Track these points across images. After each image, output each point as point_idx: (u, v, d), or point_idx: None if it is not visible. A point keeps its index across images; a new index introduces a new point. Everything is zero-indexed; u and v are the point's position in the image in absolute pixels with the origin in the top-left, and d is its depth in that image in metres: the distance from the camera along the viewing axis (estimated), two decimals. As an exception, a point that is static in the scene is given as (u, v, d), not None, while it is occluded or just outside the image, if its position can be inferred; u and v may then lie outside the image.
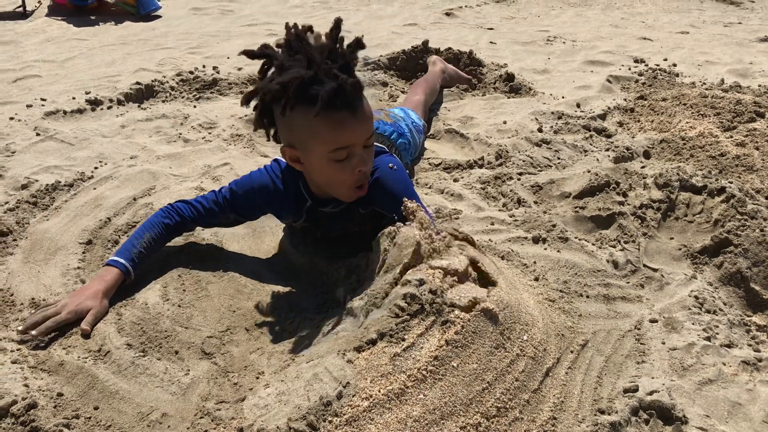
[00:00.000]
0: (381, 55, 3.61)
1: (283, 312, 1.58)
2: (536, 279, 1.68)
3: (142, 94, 3.05)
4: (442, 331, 1.22)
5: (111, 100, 2.94)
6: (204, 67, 3.46)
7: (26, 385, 1.27)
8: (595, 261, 1.78)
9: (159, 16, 5.08)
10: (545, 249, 1.82)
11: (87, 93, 3.01)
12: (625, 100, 3.17)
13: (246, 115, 2.78)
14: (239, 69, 3.45)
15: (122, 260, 1.56)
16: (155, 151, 2.46)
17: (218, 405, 1.28)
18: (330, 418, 1.11)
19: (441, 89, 3.20)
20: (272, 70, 1.50)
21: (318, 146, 1.48)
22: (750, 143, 2.58)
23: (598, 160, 2.40)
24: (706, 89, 3.25)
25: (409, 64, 3.54)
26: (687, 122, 2.79)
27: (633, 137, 2.70)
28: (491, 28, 4.95)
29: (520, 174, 2.29)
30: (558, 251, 1.80)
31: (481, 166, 2.41)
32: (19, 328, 1.41)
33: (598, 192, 2.08)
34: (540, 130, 2.72)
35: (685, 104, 3.01)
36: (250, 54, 1.50)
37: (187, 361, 1.41)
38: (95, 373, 1.32)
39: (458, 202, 2.13)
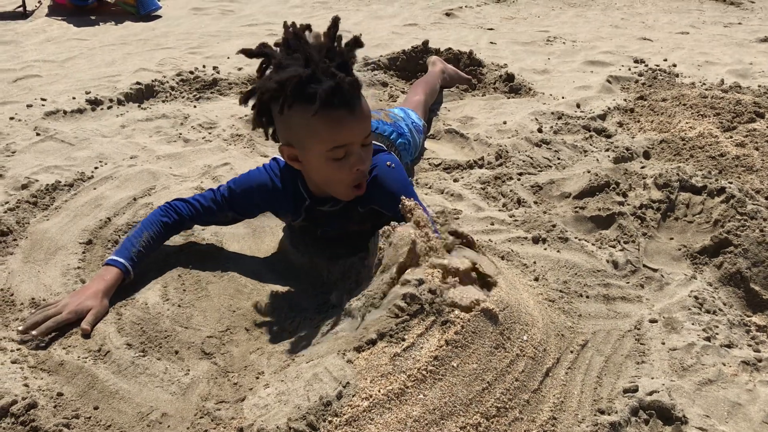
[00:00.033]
0: (381, 55, 3.61)
1: (283, 312, 1.58)
2: (536, 279, 1.68)
3: (143, 94, 3.05)
4: (442, 331, 1.22)
5: (111, 100, 2.94)
6: (204, 67, 3.46)
7: (26, 385, 1.27)
8: (595, 261, 1.78)
9: (159, 16, 5.08)
10: (545, 249, 1.82)
11: (87, 93, 3.01)
12: (625, 100, 3.17)
13: (246, 115, 2.78)
14: (239, 69, 3.45)
15: (121, 259, 1.56)
16: (155, 151, 2.46)
17: (218, 405, 1.28)
18: (330, 418, 1.11)
19: (441, 89, 3.20)
20: (270, 68, 1.50)
21: (316, 145, 1.48)
22: (750, 143, 2.58)
23: (598, 160, 2.40)
24: (706, 90, 3.25)
25: (409, 65, 3.54)
26: (687, 122, 2.79)
27: (633, 137, 2.70)
28: (491, 29, 4.95)
29: (520, 174, 2.29)
30: (558, 251, 1.81)
31: (481, 167, 2.41)
32: (20, 328, 1.41)
33: (598, 192, 2.08)
34: (540, 131, 2.72)
35: (684, 104, 3.01)
36: (248, 53, 1.50)
37: (187, 361, 1.41)
38: (95, 373, 1.32)
39: (458, 202, 2.13)
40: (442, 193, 2.21)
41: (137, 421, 1.25)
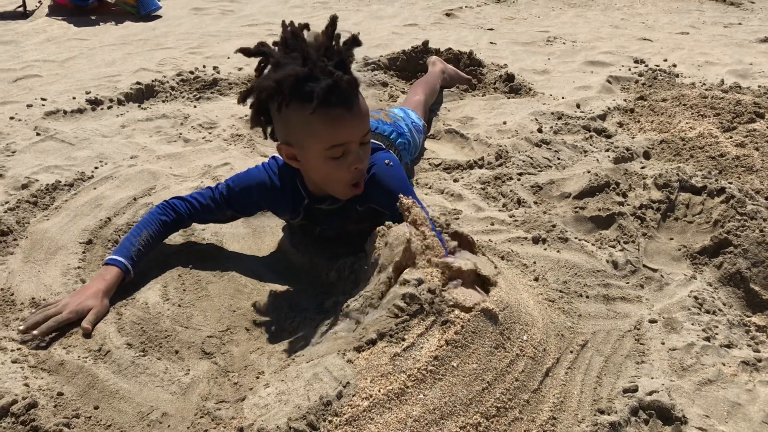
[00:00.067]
0: (381, 56, 3.61)
1: (283, 312, 1.58)
2: (536, 279, 1.68)
3: (143, 94, 3.05)
4: (442, 331, 1.22)
5: (111, 100, 2.95)
6: (204, 67, 3.46)
7: (26, 385, 1.27)
8: (594, 261, 1.78)
9: (159, 16, 5.08)
10: (545, 249, 1.82)
11: (87, 93, 3.02)
12: (625, 100, 3.17)
13: (246, 115, 2.78)
14: (239, 69, 3.46)
15: (121, 259, 1.56)
16: (155, 151, 2.47)
17: (218, 405, 1.28)
18: (330, 418, 1.11)
19: (441, 89, 3.20)
20: (269, 68, 1.50)
21: (314, 144, 1.48)
22: (750, 144, 2.58)
23: (598, 160, 2.41)
24: (706, 90, 3.26)
25: (409, 65, 3.54)
26: (687, 123, 2.79)
27: (633, 138, 2.70)
28: (491, 29, 4.95)
29: (520, 174, 2.29)
30: (558, 251, 1.81)
31: (481, 167, 2.41)
32: (20, 327, 1.42)
33: (597, 192, 2.08)
34: (540, 131, 2.72)
35: (684, 105, 3.01)
36: (246, 52, 1.50)
37: (187, 361, 1.41)
38: (95, 373, 1.33)
39: (458, 203, 2.13)
40: (442, 193, 2.21)
41: (137, 420, 1.25)
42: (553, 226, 1.92)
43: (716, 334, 1.54)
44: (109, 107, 2.91)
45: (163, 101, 3.03)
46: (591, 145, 2.60)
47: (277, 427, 1.12)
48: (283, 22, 1.50)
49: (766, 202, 2.03)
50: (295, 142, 1.51)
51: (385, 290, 1.31)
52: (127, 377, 1.33)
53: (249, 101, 1.54)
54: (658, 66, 3.79)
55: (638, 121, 2.92)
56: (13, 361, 1.33)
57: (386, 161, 1.66)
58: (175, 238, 1.81)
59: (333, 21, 1.47)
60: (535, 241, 1.85)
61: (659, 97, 3.16)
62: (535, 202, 2.12)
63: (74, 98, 2.95)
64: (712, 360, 1.45)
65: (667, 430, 1.28)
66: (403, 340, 1.21)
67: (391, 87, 3.32)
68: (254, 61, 1.53)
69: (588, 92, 3.29)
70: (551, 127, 2.76)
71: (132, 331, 1.44)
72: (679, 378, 1.41)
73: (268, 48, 1.50)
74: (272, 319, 1.56)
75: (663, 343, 1.51)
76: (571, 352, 1.43)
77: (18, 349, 1.38)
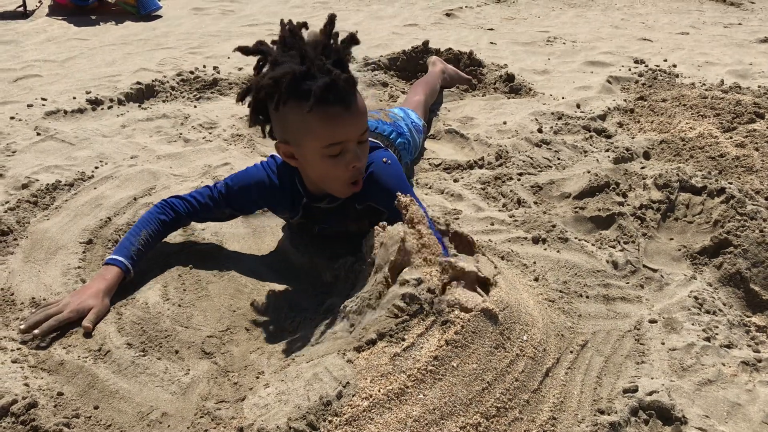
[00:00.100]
0: (381, 56, 3.61)
1: (283, 312, 1.59)
2: (536, 279, 1.68)
3: (143, 94, 3.05)
4: (442, 331, 1.22)
5: (111, 100, 2.95)
6: (204, 67, 3.46)
7: (26, 385, 1.27)
8: (594, 261, 1.78)
9: (159, 16, 5.08)
10: (545, 249, 1.82)
11: (87, 93, 3.02)
12: (625, 100, 3.17)
13: (246, 115, 2.78)
14: (240, 69, 3.46)
15: (121, 258, 1.56)
16: (156, 151, 2.47)
17: (218, 404, 1.28)
18: (330, 418, 1.11)
19: (441, 90, 3.20)
20: (267, 66, 1.50)
21: (311, 142, 1.48)
22: (750, 144, 2.58)
23: (597, 160, 2.41)
24: (706, 90, 3.26)
25: (409, 65, 3.54)
26: (687, 123, 2.79)
27: (633, 138, 2.70)
28: (491, 29, 4.95)
29: (520, 174, 2.29)
30: (558, 251, 1.81)
31: (481, 167, 2.41)
32: (21, 326, 1.42)
33: (597, 192, 2.08)
34: (540, 131, 2.72)
35: (684, 105, 3.01)
36: (244, 50, 1.50)
37: (187, 361, 1.41)
38: (95, 373, 1.33)
39: (458, 203, 2.13)
40: (442, 193, 2.21)
41: (137, 420, 1.25)
42: (553, 226, 1.92)
43: (716, 334, 1.54)
44: (110, 107, 2.91)
45: (164, 101, 3.03)
46: (591, 145, 2.60)
47: (277, 427, 1.12)
48: (282, 20, 1.50)
49: (766, 203, 2.03)
50: (293, 141, 1.51)
51: (382, 290, 1.31)
52: (127, 377, 1.33)
53: (247, 100, 1.54)
54: (658, 66, 3.79)
55: (638, 122, 2.92)
56: (13, 361, 1.33)
57: (384, 159, 1.66)
58: (175, 238, 1.81)
59: (331, 19, 1.47)
60: (535, 241, 1.85)
61: (659, 98, 3.16)
62: (535, 202, 2.12)
63: (74, 98, 2.95)
64: (712, 360, 1.45)
65: (667, 430, 1.28)
66: (403, 340, 1.21)
67: (391, 87, 3.32)
68: (254, 61, 1.54)
69: (588, 92, 3.29)
70: (551, 128, 2.76)
71: (132, 331, 1.44)
72: (679, 378, 1.41)
73: (266, 46, 1.50)
74: (272, 319, 1.56)
75: (663, 344, 1.51)
76: (571, 352, 1.43)
77: (18, 349, 1.38)
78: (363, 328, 1.27)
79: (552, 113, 2.93)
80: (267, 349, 1.46)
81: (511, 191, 2.17)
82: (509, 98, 3.23)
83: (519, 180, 2.24)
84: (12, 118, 2.70)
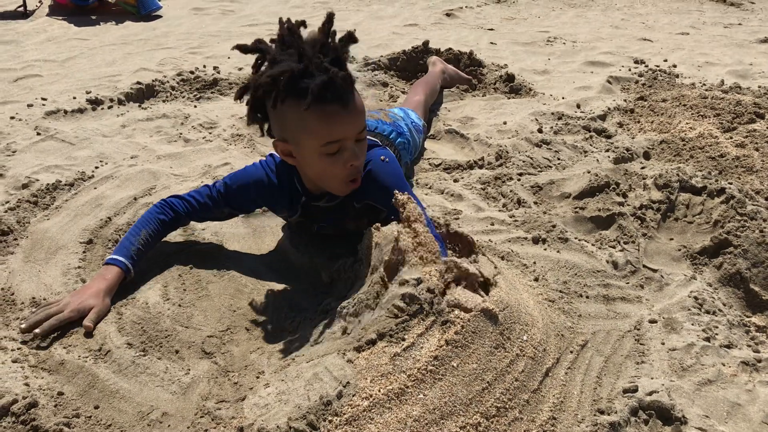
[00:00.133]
0: (381, 56, 3.61)
1: (283, 312, 1.59)
2: (536, 279, 1.68)
3: (143, 94, 3.05)
4: (442, 330, 1.22)
5: (112, 100, 2.95)
6: (204, 67, 3.46)
7: (27, 384, 1.27)
8: (594, 261, 1.78)
9: (160, 16, 5.09)
10: (545, 249, 1.82)
11: (88, 93, 3.02)
12: (625, 100, 3.17)
13: (246, 115, 2.78)
14: (240, 69, 3.46)
15: (122, 258, 1.56)
16: (156, 151, 2.47)
17: (218, 404, 1.28)
18: (330, 418, 1.11)
19: (441, 90, 3.20)
20: (266, 64, 1.50)
21: (309, 140, 1.48)
22: (750, 144, 2.58)
23: (598, 160, 2.41)
24: (706, 90, 3.26)
25: (409, 65, 3.54)
26: (687, 123, 2.79)
27: (633, 138, 2.70)
28: (491, 29, 4.95)
29: (520, 174, 2.30)
30: (558, 252, 1.81)
31: (481, 167, 2.41)
32: (22, 326, 1.42)
33: (597, 192, 2.08)
34: (540, 131, 2.72)
35: (685, 105, 3.01)
36: (242, 48, 1.50)
37: (187, 361, 1.41)
38: (96, 373, 1.33)
39: (458, 203, 2.13)
40: (442, 193, 2.21)
41: (138, 420, 1.26)
42: (553, 226, 1.92)
43: (716, 334, 1.54)
44: (110, 107, 2.91)
45: (164, 101, 3.03)
46: (591, 145, 2.60)
47: (277, 426, 1.12)
48: (281, 19, 1.50)
49: (766, 203, 2.03)
50: (291, 139, 1.51)
51: (379, 290, 1.31)
52: (127, 377, 1.34)
53: (246, 98, 1.54)
54: (658, 66, 3.79)
55: (638, 122, 2.92)
56: (14, 361, 1.33)
57: (382, 157, 1.65)
58: (175, 238, 1.82)
59: (330, 18, 1.47)
60: (535, 241, 1.85)
61: (659, 98, 3.16)
62: (535, 203, 2.12)
63: (75, 98, 2.95)
64: (711, 360, 1.45)
65: (666, 430, 1.28)
66: (403, 340, 1.21)
67: (391, 87, 3.32)
68: (253, 61, 1.54)
69: (588, 92, 3.29)
70: (551, 128, 2.76)
71: (132, 331, 1.44)
72: (679, 378, 1.41)
73: (264, 45, 1.50)
74: (272, 319, 1.56)
75: (663, 344, 1.51)
76: (571, 352, 1.43)
77: (18, 349, 1.38)
78: (362, 328, 1.27)
79: (552, 113, 2.93)
80: (267, 349, 1.46)
81: (511, 191, 2.17)
82: (509, 98, 3.23)
83: (519, 180, 2.24)
84: (12, 117, 2.70)
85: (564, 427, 1.24)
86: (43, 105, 2.86)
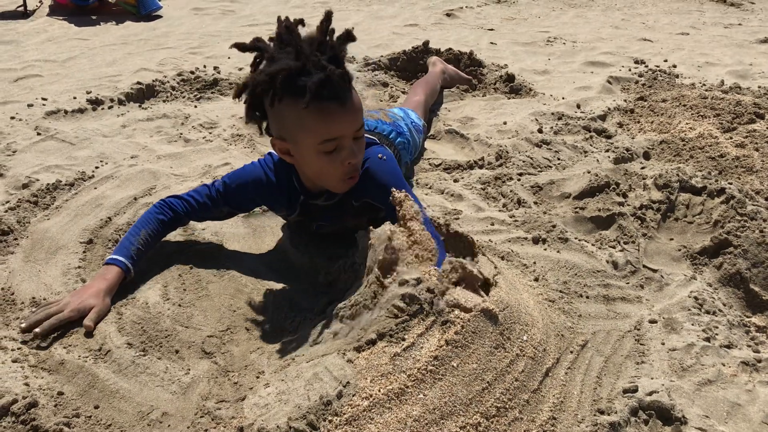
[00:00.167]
0: (381, 56, 3.61)
1: (283, 312, 1.59)
2: (536, 279, 1.68)
3: (143, 94, 3.05)
4: (442, 330, 1.22)
5: (112, 100, 2.95)
6: (205, 67, 3.46)
7: (27, 384, 1.27)
8: (594, 261, 1.78)
9: (160, 16, 5.09)
10: (545, 249, 1.82)
11: (88, 93, 3.02)
12: (625, 101, 3.17)
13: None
14: (240, 69, 3.46)
15: (122, 258, 1.56)
16: (156, 151, 2.47)
17: (218, 404, 1.28)
18: (330, 418, 1.11)
19: (441, 90, 3.20)
20: (264, 63, 1.50)
21: (307, 138, 1.48)
22: (750, 144, 2.58)
23: (598, 160, 2.41)
24: (706, 90, 3.26)
25: (409, 65, 3.54)
26: (687, 123, 2.79)
27: (633, 138, 2.70)
28: (492, 29, 4.95)
29: (520, 174, 2.30)
30: (558, 252, 1.81)
31: (481, 167, 2.41)
32: (22, 325, 1.42)
33: (598, 193, 2.08)
34: (540, 131, 2.72)
35: (685, 105, 3.01)
36: (241, 47, 1.50)
37: (187, 361, 1.41)
38: (96, 372, 1.33)
39: (458, 203, 2.14)
40: (443, 193, 2.21)
41: (138, 420, 1.26)
42: (553, 226, 1.92)
43: (716, 334, 1.54)
44: (110, 107, 2.91)
45: (164, 101, 3.03)
46: (591, 145, 2.60)
47: (277, 426, 1.12)
48: (279, 17, 1.50)
49: (766, 203, 2.03)
50: (289, 137, 1.51)
51: (376, 290, 1.31)
52: (127, 377, 1.34)
53: (244, 97, 1.54)
54: (658, 66, 3.79)
55: (638, 122, 2.92)
56: (14, 361, 1.33)
57: (380, 155, 1.65)
58: (175, 238, 1.82)
59: (328, 16, 1.47)
60: (535, 241, 1.85)
61: (659, 98, 3.16)
62: (535, 203, 2.12)
63: (75, 98, 2.95)
64: (711, 360, 1.45)
65: (666, 430, 1.28)
66: (403, 339, 1.21)
67: (391, 87, 3.32)
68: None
69: (588, 93, 3.29)
70: (551, 128, 2.76)
71: (132, 331, 1.44)
72: (679, 378, 1.41)
73: (263, 43, 1.50)
74: (272, 319, 1.56)
75: (663, 344, 1.51)
76: (571, 352, 1.43)
77: (18, 349, 1.38)
78: (362, 328, 1.27)
79: (552, 113, 2.93)
80: (267, 349, 1.46)
81: (511, 191, 2.17)
82: (509, 98, 3.23)
83: (519, 180, 2.24)
84: (12, 117, 2.70)
85: (564, 427, 1.24)
86: (44, 105, 2.86)
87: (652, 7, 6.24)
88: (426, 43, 3.59)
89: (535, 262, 1.75)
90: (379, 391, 1.14)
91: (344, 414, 1.12)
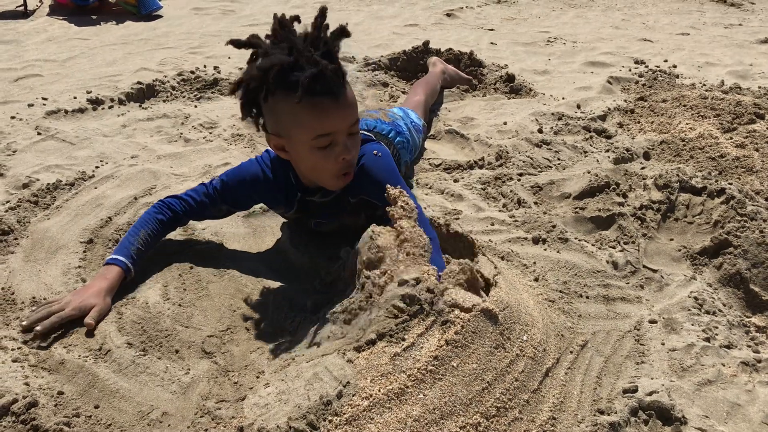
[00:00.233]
0: (382, 56, 3.61)
1: (283, 312, 1.59)
2: (536, 279, 1.68)
3: (143, 94, 3.05)
4: (442, 330, 1.22)
5: (112, 100, 2.95)
6: (205, 66, 3.46)
7: (27, 384, 1.28)
8: (594, 262, 1.78)
9: (160, 16, 5.09)
10: (545, 249, 1.82)
11: (88, 92, 3.02)
12: (625, 101, 3.17)
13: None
14: (240, 69, 3.46)
15: (122, 258, 1.57)
16: (156, 151, 2.47)
17: (218, 404, 1.28)
18: (330, 418, 1.11)
19: (441, 90, 3.20)
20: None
21: (300, 133, 1.48)
22: (750, 145, 2.59)
23: (598, 161, 2.41)
24: (706, 91, 3.26)
25: (409, 65, 3.54)
26: (687, 123, 2.79)
27: (633, 138, 2.70)
28: (492, 29, 4.95)
29: (521, 175, 2.30)
30: (558, 252, 1.81)
31: (481, 167, 2.41)
32: (23, 323, 1.42)
33: (598, 193, 2.08)
34: (540, 131, 2.72)
35: (685, 105, 3.01)
36: (236, 43, 1.50)
37: (187, 360, 1.41)
38: (96, 372, 1.33)
39: (458, 203, 2.14)
40: (443, 193, 2.21)
41: (138, 419, 1.26)
42: (553, 226, 1.92)
43: (716, 334, 1.54)
44: (110, 107, 2.91)
45: (164, 101, 3.03)
46: (591, 145, 2.60)
47: (277, 426, 1.12)
48: (275, 14, 1.50)
49: (766, 203, 2.03)
50: (283, 132, 1.52)
51: (372, 291, 1.30)
52: (127, 376, 1.34)
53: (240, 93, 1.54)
54: (658, 67, 3.79)
55: (638, 122, 2.92)
56: (14, 360, 1.33)
57: (375, 152, 1.65)
58: (175, 238, 1.82)
59: (322, 12, 1.47)
60: (535, 241, 1.85)
61: (659, 98, 3.16)
62: (535, 203, 2.12)
63: (75, 98, 2.95)
64: (711, 360, 1.45)
65: (666, 430, 1.28)
66: (403, 339, 1.21)
67: (391, 87, 3.32)
68: (254, 60, 1.54)
69: (588, 93, 3.29)
70: (551, 128, 2.76)
71: (132, 331, 1.44)
72: (678, 378, 1.41)
73: (258, 39, 1.51)
74: (272, 319, 1.56)
75: (663, 344, 1.51)
76: (571, 352, 1.43)
77: (18, 348, 1.38)
78: (360, 328, 1.27)
79: (552, 114, 2.93)
80: (267, 348, 1.46)
81: (511, 191, 2.17)
82: (509, 98, 3.23)
83: (519, 180, 2.24)
84: (13, 117, 2.70)
85: (564, 427, 1.24)
86: (44, 105, 2.86)
87: (652, 8, 6.24)
88: (426, 43, 3.59)
89: (535, 262, 1.75)
90: (379, 391, 1.14)
91: (344, 414, 1.12)
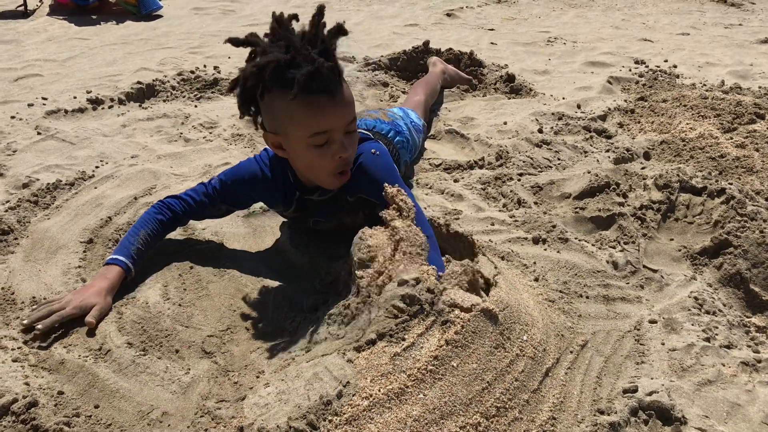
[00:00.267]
0: (382, 56, 3.61)
1: (283, 312, 1.59)
2: (536, 279, 1.68)
3: (143, 94, 3.05)
4: (442, 330, 1.22)
5: (112, 100, 2.95)
6: (205, 66, 3.46)
7: (27, 384, 1.28)
8: (594, 262, 1.78)
9: (160, 16, 5.09)
10: (545, 249, 1.82)
11: (88, 92, 3.02)
12: (625, 101, 3.17)
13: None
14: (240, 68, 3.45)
15: (122, 258, 1.57)
16: (156, 151, 2.47)
17: (218, 404, 1.28)
18: (330, 417, 1.11)
19: (441, 90, 3.20)
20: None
21: (297, 131, 1.48)
22: (750, 145, 2.58)
23: (598, 161, 2.41)
24: (707, 91, 3.26)
25: (409, 65, 3.54)
26: (687, 123, 2.79)
27: (633, 138, 2.70)
28: (492, 29, 4.95)
29: (521, 175, 2.30)
30: (558, 252, 1.81)
31: (481, 167, 2.41)
32: (24, 322, 1.42)
33: (598, 193, 2.08)
34: (540, 131, 2.72)
35: (685, 105, 3.01)
36: (234, 41, 1.51)
37: (187, 360, 1.41)
38: (96, 372, 1.33)
39: (458, 203, 2.14)
40: (443, 193, 2.21)
41: (138, 419, 1.26)
42: (554, 226, 1.92)
43: (716, 334, 1.54)
44: (110, 107, 2.91)
45: (164, 101, 3.03)
46: (591, 145, 2.60)
47: (277, 426, 1.12)
48: (273, 12, 1.50)
49: (766, 203, 2.03)
50: (280, 130, 1.52)
51: (369, 291, 1.30)
52: (127, 376, 1.34)
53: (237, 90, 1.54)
54: (658, 67, 3.79)
55: (638, 122, 2.92)
56: (14, 360, 1.34)
57: (372, 150, 1.65)
58: (176, 238, 1.82)
59: (320, 10, 1.47)
60: (535, 241, 1.85)
61: (660, 98, 3.16)
62: (536, 203, 2.12)
63: (75, 97, 2.95)
64: (711, 360, 1.45)
65: (666, 430, 1.28)
66: (403, 339, 1.21)
67: (391, 87, 3.32)
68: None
69: (588, 93, 3.29)
70: (552, 128, 2.76)
71: (132, 330, 1.44)
72: (678, 378, 1.41)
73: (256, 38, 1.51)
74: (272, 319, 1.56)
75: (663, 344, 1.51)
76: (571, 352, 1.43)
77: (18, 348, 1.38)
78: (360, 328, 1.27)
79: (552, 113, 2.93)
80: (267, 348, 1.46)
81: (511, 191, 2.17)
82: (510, 98, 3.23)
83: (519, 180, 2.24)
84: (13, 117, 2.70)
85: (564, 427, 1.24)
86: (44, 104, 2.86)
87: (652, 7, 6.24)
88: (426, 43, 3.59)
89: (535, 262, 1.75)
90: (379, 390, 1.14)
91: (344, 414, 1.12)
